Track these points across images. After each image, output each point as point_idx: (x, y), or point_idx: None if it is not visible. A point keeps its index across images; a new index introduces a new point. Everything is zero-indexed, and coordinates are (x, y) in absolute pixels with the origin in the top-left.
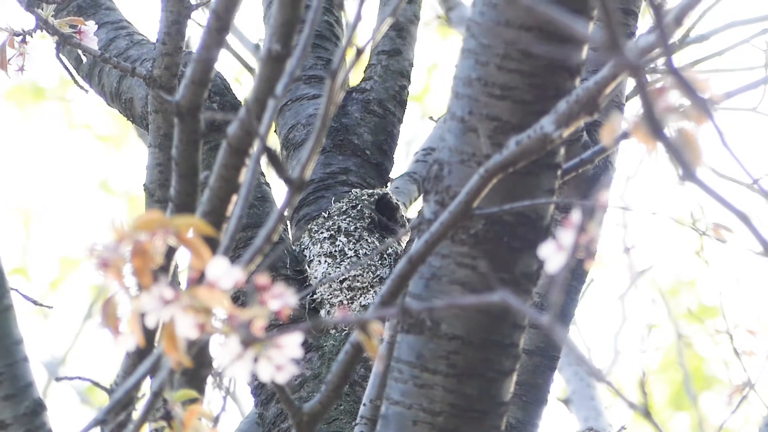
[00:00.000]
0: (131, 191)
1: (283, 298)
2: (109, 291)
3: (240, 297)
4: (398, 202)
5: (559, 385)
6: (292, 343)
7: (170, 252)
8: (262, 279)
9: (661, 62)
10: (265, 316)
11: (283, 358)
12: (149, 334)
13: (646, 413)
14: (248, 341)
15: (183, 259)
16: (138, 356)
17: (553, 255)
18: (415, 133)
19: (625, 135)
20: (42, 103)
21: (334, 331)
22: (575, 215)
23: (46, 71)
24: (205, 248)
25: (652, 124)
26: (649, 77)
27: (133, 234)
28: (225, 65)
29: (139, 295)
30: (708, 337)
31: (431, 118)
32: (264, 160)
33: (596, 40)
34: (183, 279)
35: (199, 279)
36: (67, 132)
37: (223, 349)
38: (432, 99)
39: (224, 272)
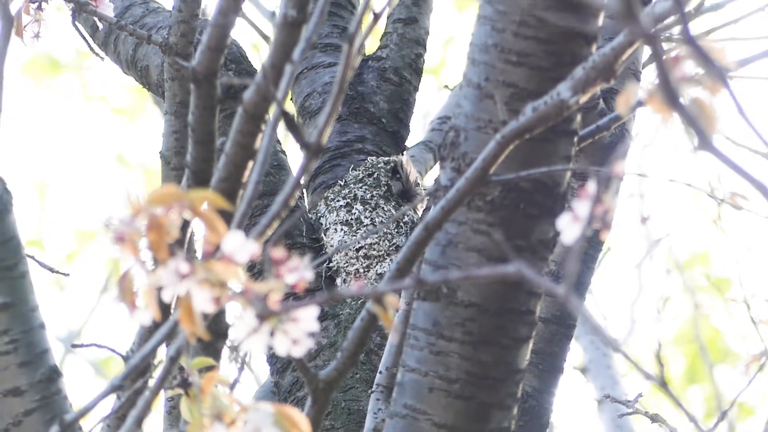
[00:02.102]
0: (147, 164)
1: (299, 272)
2: (125, 265)
3: (255, 266)
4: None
5: (576, 353)
6: (308, 316)
7: (185, 225)
8: (279, 252)
9: (676, 30)
10: (281, 289)
11: (300, 332)
12: (165, 308)
13: (662, 384)
14: (264, 315)
15: (197, 229)
16: (154, 326)
17: (569, 226)
18: (433, 106)
19: (640, 103)
20: (58, 76)
21: (350, 299)
22: (591, 185)
23: (61, 43)
24: (220, 221)
25: (668, 92)
26: (664, 45)
27: (149, 208)
28: (242, 35)
29: (155, 269)
30: (724, 308)
31: (447, 86)
32: (280, 128)
33: (612, 8)
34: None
35: (214, 252)
36: (82, 104)
37: (239, 323)
38: (449, 72)
39: (240, 245)
